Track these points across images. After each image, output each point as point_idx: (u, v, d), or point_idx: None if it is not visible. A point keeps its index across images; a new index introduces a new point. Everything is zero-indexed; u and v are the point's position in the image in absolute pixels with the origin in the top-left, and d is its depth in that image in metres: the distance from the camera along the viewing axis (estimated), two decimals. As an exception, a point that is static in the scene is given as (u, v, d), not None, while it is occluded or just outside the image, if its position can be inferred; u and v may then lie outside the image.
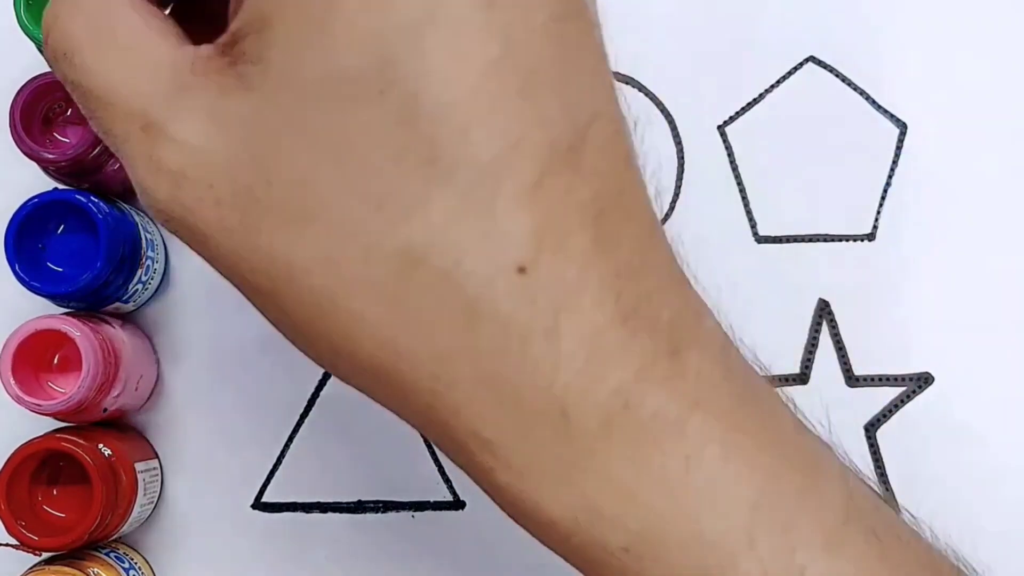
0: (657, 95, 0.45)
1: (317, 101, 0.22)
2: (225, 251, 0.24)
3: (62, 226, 0.40)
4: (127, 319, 0.43)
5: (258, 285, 0.24)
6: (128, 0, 0.25)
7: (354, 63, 0.22)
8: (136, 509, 0.40)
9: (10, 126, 0.38)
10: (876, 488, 0.38)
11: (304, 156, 0.22)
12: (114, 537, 0.41)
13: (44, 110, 0.40)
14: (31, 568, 0.39)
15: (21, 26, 0.38)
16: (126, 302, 0.42)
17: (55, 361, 0.40)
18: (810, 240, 0.45)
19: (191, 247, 0.25)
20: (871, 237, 0.45)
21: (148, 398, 0.43)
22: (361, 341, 0.23)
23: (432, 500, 0.43)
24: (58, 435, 0.39)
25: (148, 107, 0.24)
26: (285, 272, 0.23)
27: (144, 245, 0.41)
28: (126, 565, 0.41)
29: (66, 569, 0.38)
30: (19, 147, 0.38)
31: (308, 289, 0.23)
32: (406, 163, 0.21)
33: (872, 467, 0.44)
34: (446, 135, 0.21)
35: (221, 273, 0.25)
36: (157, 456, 0.43)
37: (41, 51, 0.40)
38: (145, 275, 0.41)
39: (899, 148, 0.45)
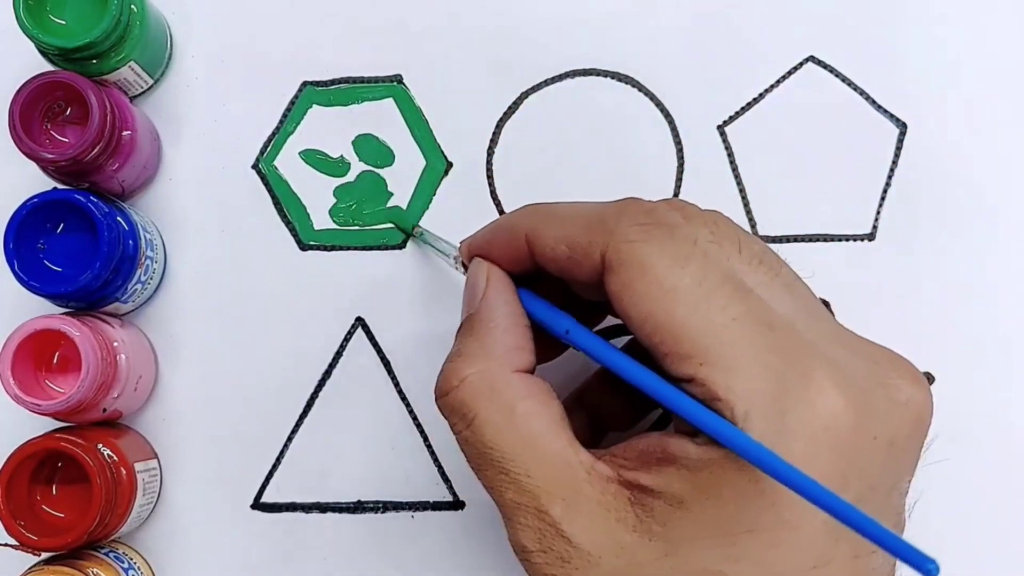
0: (657, 95, 0.45)
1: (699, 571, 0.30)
2: None
3: (61, 226, 0.40)
4: (126, 319, 0.43)
5: None
6: (526, 385, 0.32)
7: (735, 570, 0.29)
8: (135, 509, 0.40)
9: (10, 126, 0.38)
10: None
11: None
12: (113, 537, 0.41)
13: (44, 110, 0.40)
14: (31, 568, 0.39)
15: (21, 26, 0.38)
16: (125, 302, 0.41)
17: (54, 361, 0.40)
18: (810, 240, 0.45)
19: None
20: (871, 237, 0.45)
21: (148, 398, 0.43)
22: None
23: (432, 500, 0.43)
24: (58, 435, 0.39)
25: (543, 497, 0.31)
26: None
27: (143, 245, 0.41)
28: (125, 565, 0.41)
29: (65, 569, 0.38)
30: (19, 147, 0.38)
31: None
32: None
33: (872, 467, 0.44)
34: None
35: None
36: (156, 456, 0.43)
37: (41, 51, 0.40)
38: (144, 275, 0.41)
39: (899, 148, 0.45)
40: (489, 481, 0.32)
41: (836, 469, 0.29)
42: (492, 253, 0.35)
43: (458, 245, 0.37)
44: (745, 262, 0.32)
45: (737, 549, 0.29)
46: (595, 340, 0.32)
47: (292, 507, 0.43)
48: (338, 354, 0.44)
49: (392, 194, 0.44)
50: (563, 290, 0.34)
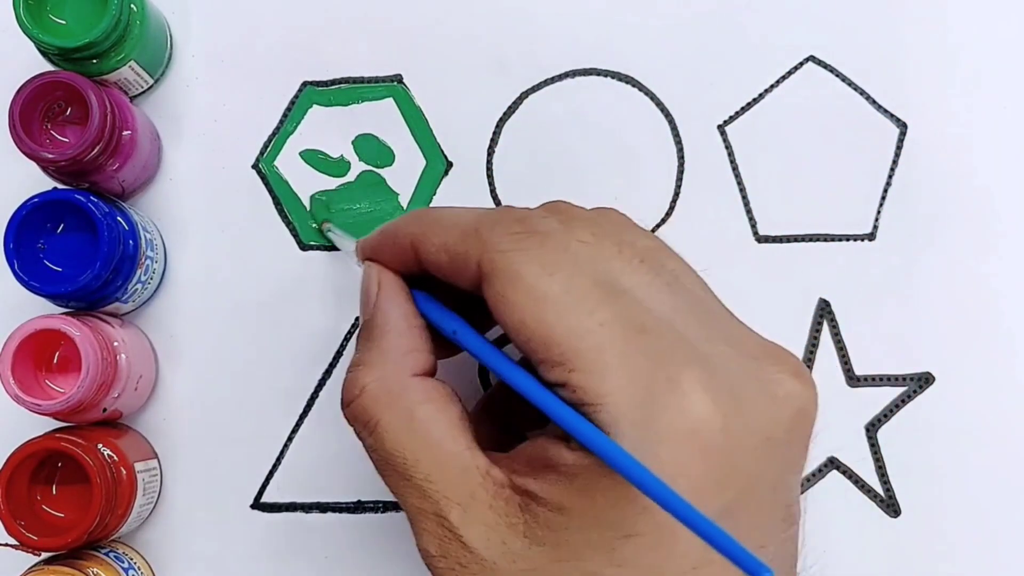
0: (657, 95, 0.45)
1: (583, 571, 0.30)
2: None
3: (61, 226, 0.40)
4: (127, 319, 0.43)
5: None
6: (425, 389, 0.33)
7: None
8: (135, 509, 0.40)
9: (10, 126, 0.38)
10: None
11: None
12: (113, 537, 0.41)
13: (44, 110, 0.40)
14: (31, 568, 0.38)
15: (21, 26, 0.38)
16: (125, 302, 0.41)
17: (55, 361, 0.40)
18: (810, 240, 0.45)
19: None
20: (871, 237, 0.45)
21: (148, 398, 0.43)
22: None
23: (432, 500, 0.43)
24: (58, 435, 0.39)
25: (442, 503, 0.31)
26: None
27: (143, 245, 0.41)
28: (125, 565, 0.41)
29: (65, 569, 0.38)
30: (19, 147, 0.38)
31: None
32: None
33: (873, 467, 0.44)
34: None
35: None
36: (157, 456, 0.43)
37: (41, 51, 0.40)
38: (144, 275, 0.41)
39: (899, 148, 0.45)
40: (394, 487, 0.32)
41: (706, 472, 0.29)
42: (382, 257, 0.35)
43: (355, 245, 0.37)
44: (625, 262, 0.31)
45: (619, 554, 0.29)
46: (480, 342, 0.33)
47: (292, 507, 0.43)
48: (338, 354, 0.44)
49: (395, 194, 0.44)
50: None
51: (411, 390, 0.32)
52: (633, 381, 0.29)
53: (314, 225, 0.44)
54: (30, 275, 0.38)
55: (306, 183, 0.44)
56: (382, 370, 0.33)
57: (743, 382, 0.30)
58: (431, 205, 0.44)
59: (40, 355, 0.39)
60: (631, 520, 0.29)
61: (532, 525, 0.30)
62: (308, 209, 0.44)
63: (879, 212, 0.45)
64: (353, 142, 0.44)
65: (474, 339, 0.33)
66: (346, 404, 0.33)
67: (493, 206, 0.44)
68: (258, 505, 0.43)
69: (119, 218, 0.40)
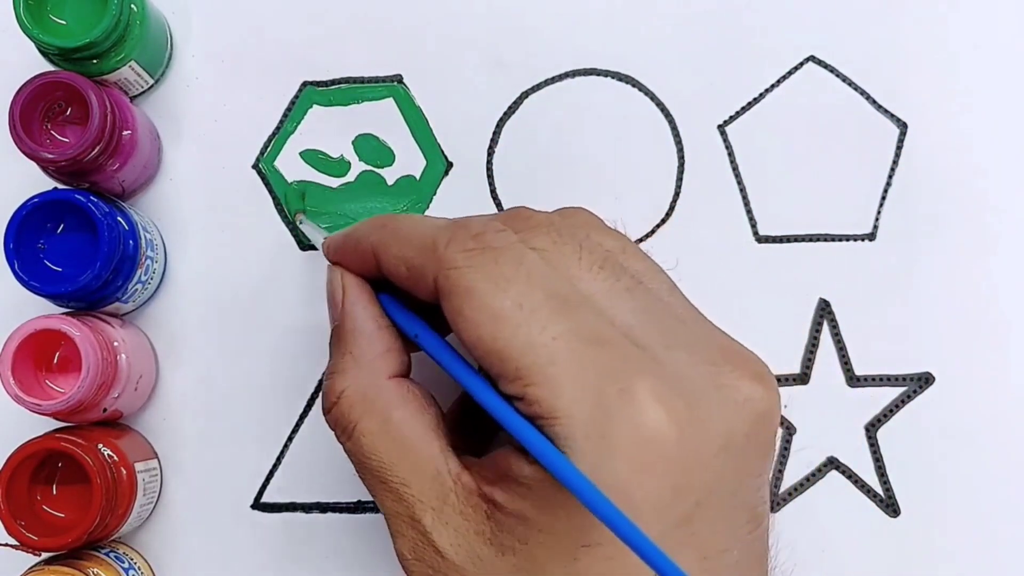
0: (657, 95, 0.45)
1: None
2: None
3: (61, 226, 0.40)
4: (127, 319, 0.43)
5: None
6: (400, 393, 0.33)
7: None
8: (135, 509, 0.40)
9: (10, 126, 0.38)
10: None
11: None
12: (114, 537, 0.41)
13: (44, 110, 0.40)
14: (31, 568, 0.39)
15: (21, 26, 0.38)
16: (125, 302, 0.41)
17: (55, 361, 0.40)
18: (810, 240, 0.45)
19: None
20: (871, 237, 0.45)
21: (148, 398, 0.43)
22: None
23: (432, 500, 0.43)
24: (58, 435, 0.39)
25: (416, 507, 0.32)
26: None
27: (144, 245, 0.41)
28: (125, 565, 0.41)
29: (65, 569, 0.38)
30: (19, 147, 0.38)
31: None
32: None
33: (873, 467, 0.44)
34: None
35: None
36: (157, 456, 0.43)
37: (41, 51, 0.40)
38: (144, 275, 0.41)
39: (899, 148, 0.45)
40: (371, 489, 0.33)
41: (662, 483, 0.29)
42: (346, 261, 0.35)
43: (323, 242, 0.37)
44: (584, 269, 0.32)
45: (580, 564, 0.30)
46: (441, 348, 0.33)
47: (292, 507, 0.43)
48: (338, 354, 0.44)
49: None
50: None
51: (386, 393, 0.33)
52: (586, 394, 0.29)
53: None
54: (30, 275, 0.38)
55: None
56: (356, 375, 0.33)
57: (700, 389, 0.30)
58: (430, 205, 0.44)
59: (40, 355, 0.39)
60: (588, 531, 0.30)
61: (497, 533, 0.31)
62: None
63: (879, 212, 0.45)
64: (353, 142, 0.44)
65: (436, 345, 0.33)
66: (326, 411, 0.34)
67: (493, 206, 0.44)
68: (258, 505, 0.43)
69: (119, 218, 0.40)
